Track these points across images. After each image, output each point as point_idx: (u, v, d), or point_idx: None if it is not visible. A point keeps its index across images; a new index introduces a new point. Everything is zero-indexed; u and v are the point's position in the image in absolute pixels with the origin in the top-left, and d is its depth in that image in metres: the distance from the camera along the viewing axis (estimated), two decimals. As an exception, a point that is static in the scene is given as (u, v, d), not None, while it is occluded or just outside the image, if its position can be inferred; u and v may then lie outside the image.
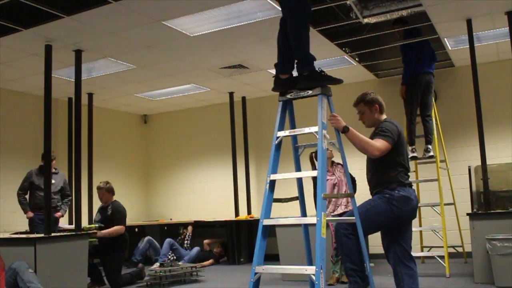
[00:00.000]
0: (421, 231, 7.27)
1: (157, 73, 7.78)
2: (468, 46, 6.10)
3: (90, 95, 8.38)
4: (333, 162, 6.23)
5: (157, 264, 7.03)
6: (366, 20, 5.96)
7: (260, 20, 5.80)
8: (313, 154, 6.16)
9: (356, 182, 6.01)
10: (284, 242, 6.31)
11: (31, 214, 6.85)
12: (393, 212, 3.50)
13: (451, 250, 6.91)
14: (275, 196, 3.42)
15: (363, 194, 5.49)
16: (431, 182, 6.68)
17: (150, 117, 10.96)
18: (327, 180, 5.77)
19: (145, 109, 10.47)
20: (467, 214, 5.67)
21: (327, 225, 3.13)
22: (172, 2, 5.19)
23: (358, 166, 5.97)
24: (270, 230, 3.42)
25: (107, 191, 6.51)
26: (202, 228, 9.24)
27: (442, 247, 6.15)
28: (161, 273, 6.30)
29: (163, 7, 5.33)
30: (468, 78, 6.14)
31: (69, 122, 8.32)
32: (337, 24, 6.04)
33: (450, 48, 7.18)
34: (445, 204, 6.40)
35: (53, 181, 6.55)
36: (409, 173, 3.70)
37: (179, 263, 7.12)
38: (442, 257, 6.24)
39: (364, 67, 7.89)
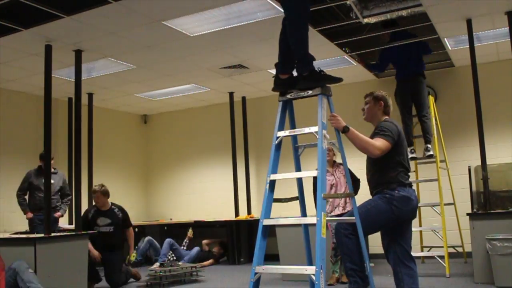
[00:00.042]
0: (421, 231, 7.27)
1: (157, 73, 7.78)
2: (468, 46, 6.10)
3: (90, 95, 8.38)
4: (334, 162, 6.22)
5: (157, 264, 7.03)
6: (366, 20, 5.96)
7: (260, 20, 5.80)
8: None
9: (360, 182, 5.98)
10: (284, 242, 6.31)
11: (30, 215, 6.83)
12: (393, 212, 3.50)
13: (451, 250, 6.91)
14: (275, 196, 3.43)
15: (363, 194, 5.49)
16: (431, 182, 6.68)
17: (150, 117, 10.96)
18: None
19: (145, 109, 10.47)
20: (467, 214, 5.66)
21: (326, 226, 3.13)
22: (172, 2, 5.19)
23: (358, 166, 5.96)
24: (270, 230, 3.42)
25: (102, 194, 6.43)
26: (202, 228, 9.24)
27: (442, 247, 6.15)
28: (161, 273, 6.30)
29: (163, 7, 5.33)
30: (468, 78, 6.14)
31: (69, 122, 8.32)
32: (337, 24, 6.04)
33: (450, 48, 7.18)
34: (445, 204, 6.40)
35: (52, 181, 6.54)
36: (409, 173, 3.70)
37: (179, 263, 7.12)
38: (442, 257, 6.24)
39: (364, 67, 7.88)
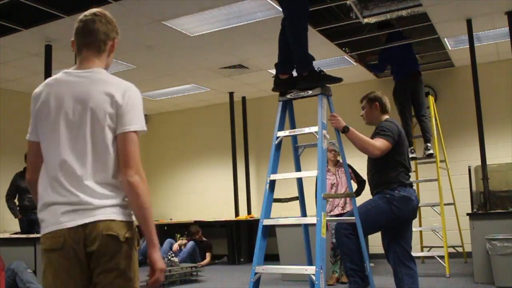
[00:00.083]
0: (421, 231, 7.27)
1: (157, 73, 7.78)
2: (468, 46, 6.10)
3: (90, 95, 8.38)
4: (338, 161, 6.22)
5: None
6: (366, 20, 5.96)
7: (260, 20, 5.80)
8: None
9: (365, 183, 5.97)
10: (284, 242, 6.31)
11: (20, 217, 6.84)
12: (393, 212, 3.50)
13: (451, 250, 6.90)
14: (275, 196, 3.42)
15: (363, 194, 5.49)
16: (431, 182, 6.68)
17: (150, 117, 10.96)
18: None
19: (145, 109, 10.39)
20: (467, 214, 5.66)
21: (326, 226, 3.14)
22: (172, 2, 5.19)
23: (358, 166, 5.98)
24: (270, 230, 3.42)
25: None
26: (202, 228, 9.23)
27: (442, 247, 6.15)
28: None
29: (163, 7, 5.33)
30: (468, 78, 6.14)
31: (69, 122, 8.31)
32: (337, 24, 6.04)
33: (450, 48, 7.18)
34: (445, 204, 6.40)
35: None
36: (410, 173, 3.70)
37: (178, 262, 7.11)
38: (442, 257, 6.23)
39: (364, 67, 7.88)
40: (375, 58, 7.04)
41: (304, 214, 3.69)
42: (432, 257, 6.78)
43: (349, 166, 5.97)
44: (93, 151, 1.90)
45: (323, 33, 6.32)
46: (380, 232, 3.78)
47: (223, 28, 5.98)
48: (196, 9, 5.41)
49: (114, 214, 1.85)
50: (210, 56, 7.06)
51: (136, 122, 2.06)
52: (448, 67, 8.13)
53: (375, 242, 6.91)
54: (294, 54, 3.44)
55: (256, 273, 3.14)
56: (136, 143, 2.02)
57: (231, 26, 5.93)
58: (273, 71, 3.67)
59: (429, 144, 6.46)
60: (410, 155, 6.31)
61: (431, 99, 6.94)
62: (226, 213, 9.11)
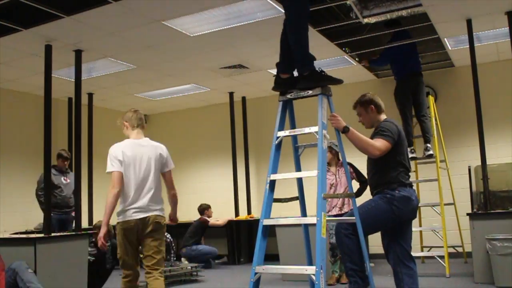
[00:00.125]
0: (421, 231, 7.27)
1: (157, 73, 7.78)
2: (468, 46, 6.10)
3: (90, 95, 8.38)
4: (339, 161, 6.21)
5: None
6: (366, 20, 5.95)
7: (260, 20, 5.80)
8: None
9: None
10: (284, 242, 6.31)
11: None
12: (393, 212, 3.50)
13: (451, 250, 6.90)
14: (275, 196, 3.42)
15: (363, 194, 5.49)
16: (431, 182, 6.68)
17: (150, 117, 10.95)
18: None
19: (145, 109, 10.46)
20: (467, 214, 5.66)
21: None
22: (172, 2, 5.19)
23: (358, 166, 5.99)
24: (270, 230, 3.42)
25: None
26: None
27: (442, 247, 6.15)
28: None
29: (163, 7, 5.33)
30: (468, 78, 6.14)
31: (69, 122, 8.32)
32: (337, 24, 6.04)
33: (450, 48, 7.18)
34: (445, 204, 6.40)
35: (68, 181, 6.57)
36: (409, 173, 3.70)
37: (178, 262, 7.12)
38: (442, 257, 6.24)
39: (364, 67, 7.88)
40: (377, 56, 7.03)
41: (304, 214, 3.69)
42: (432, 257, 6.79)
43: (352, 166, 5.98)
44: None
45: (323, 33, 6.31)
46: (380, 232, 3.78)
47: (223, 28, 5.98)
48: (196, 9, 5.41)
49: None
50: (210, 56, 7.06)
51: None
52: (448, 67, 8.13)
53: (375, 242, 6.90)
54: (294, 54, 3.44)
55: (256, 273, 3.15)
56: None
57: (231, 26, 5.93)
58: (273, 71, 3.67)
59: (429, 145, 6.46)
60: (410, 155, 6.32)
61: (431, 99, 6.94)
62: (226, 213, 9.11)
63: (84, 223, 6.95)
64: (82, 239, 5.72)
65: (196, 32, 6.07)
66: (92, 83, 7.93)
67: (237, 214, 8.98)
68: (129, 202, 3.80)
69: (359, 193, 5.71)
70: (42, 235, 5.52)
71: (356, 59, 7.40)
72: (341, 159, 6.16)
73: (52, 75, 6.21)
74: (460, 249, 7.24)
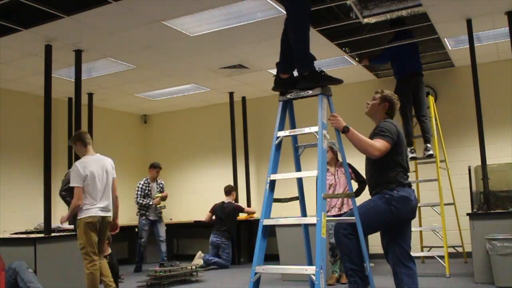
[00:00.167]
0: (421, 231, 7.27)
1: (157, 73, 7.78)
2: (468, 46, 6.10)
3: (90, 95, 8.38)
4: (338, 161, 6.21)
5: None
6: (366, 20, 5.96)
7: (260, 20, 5.80)
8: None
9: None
10: (284, 242, 6.31)
11: (64, 218, 6.61)
12: (392, 212, 3.50)
13: (451, 250, 6.90)
14: (275, 196, 3.43)
15: (363, 194, 5.48)
16: (431, 182, 6.68)
17: (150, 117, 10.96)
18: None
19: (145, 109, 10.47)
20: (467, 214, 5.66)
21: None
22: (172, 2, 5.19)
23: (358, 166, 5.97)
24: (270, 230, 3.42)
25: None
26: (202, 228, 9.24)
27: (442, 247, 6.15)
28: (161, 273, 6.29)
29: (163, 7, 5.33)
30: (468, 78, 6.14)
31: (69, 122, 8.33)
32: (337, 24, 6.04)
33: (450, 48, 7.18)
34: (445, 204, 6.39)
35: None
36: (408, 173, 3.70)
37: (177, 262, 7.11)
38: (442, 257, 6.24)
39: (364, 67, 7.88)
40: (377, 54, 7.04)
41: (304, 214, 3.69)
42: (432, 257, 6.78)
43: (350, 166, 5.98)
44: None
45: (323, 33, 6.31)
46: (379, 232, 3.78)
47: (223, 28, 5.98)
48: (196, 9, 5.41)
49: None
50: (210, 56, 7.06)
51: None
52: (448, 67, 8.13)
53: (375, 242, 6.89)
54: (295, 54, 3.44)
55: (256, 273, 3.14)
56: None
57: (231, 26, 5.93)
58: (273, 71, 3.67)
59: (429, 145, 6.46)
60: (410, 155, 6.32)
61: (431, 99, 6.94)
62: (226, 213, 9.11)
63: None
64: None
65: (196, 32, 6.07)
66: (92, 83, 7.93)
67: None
68: (95, 203, 4.79)
69: (358, 193, 5.70)
70: (42, 235, 5.52)
71: (356, 59, 7.40)
72: (340, 159, 6.19)
73: (52, 75, 6.21)
74: (460, 249, 7.24)
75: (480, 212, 5.67)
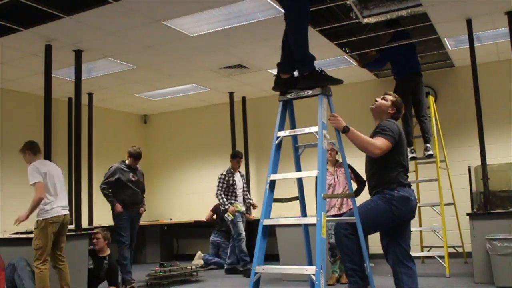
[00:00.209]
0: (421, 231, 7.27)
1: (157, 73, 7.78)
2: (468, 46, 6.10)
3: (90, 95, 8.38)
4: (337, 161, 6.20)
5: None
6: (366, 20, 5.96)
7: (260, 20, 5.80)
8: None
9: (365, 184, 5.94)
10: (284, 242, 6.31)
11: (120, 208, 6.40)
12: (393, 212, 3.49)
13: (451, 250, 6.90)
14: (275, 196, 3.42)
15: (362, 194, 5.48)
16: (431, 182, 6.68)
17: (150, 117, 10.96)
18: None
19: (145, 109, 10.47)
20: (467, 214, 5.66)
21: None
22: (172, 2, 5.19)
23: (358, 166, 5.96)
24: (270, 230, 3.42)
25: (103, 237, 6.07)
26: (202, 228, 9.24)
27: (442, 247, 6.15)
28: (161, 273, 6.30)
29: (163, 7, 5.33)
30: (468, 78, 6.14)
31: (69, 122, 8.32)
32: (337, 24, 6.04)
33: (450, 48, 7.18)
34: (445, 204, 6.39)
35: (136, 178, 6.61)
36: (408, 173, 3.69)
37: (177, 262, 7.11)
38: (442, 257, 6.24)
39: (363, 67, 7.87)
40: (374, 57, 7.04)
41: (304, 214, 3.69)
42: (432, 257, 6.79)
43: (350, 167, 5.97)
44: None
45: (323, 33, 6.31)
46: (379, 232, 3.77)
47: (223, 28, 5.98)
48: (196, 9, 5.41)
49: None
50: (210, 56, 7.06)
51: None
52: (448, 67, 8.13)
53: (375, 242, 6.87)
54: (294, 54, 3.44)
55: (256, 273, 3.14)
56: None
57: (231, 26, 5.93)
58: (273, 71, 3.67)
59: (428, 145, 6.46)
60: (410, 155, 6.32)
61: (431, 99, 6.94)
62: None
63: (84, 223, 6.95)
64: (82, 239, 5.72)
65: (196, 32, 6.07)
66: (92, 83, 7.93)
67: (237, 214, 8.97)
68: (56, 202, 4.96)
69: (357, 193, 5.69)
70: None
71: (357, 59, 7.40)
72: (340, 159, 6.19)
73: (52, 75, 6.21)
74: (460, 249, 7.24)
75: (480, 212, 5.67)
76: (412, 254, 3.68)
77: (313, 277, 2.92)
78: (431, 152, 6.42)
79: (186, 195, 10.36)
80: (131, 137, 10.52)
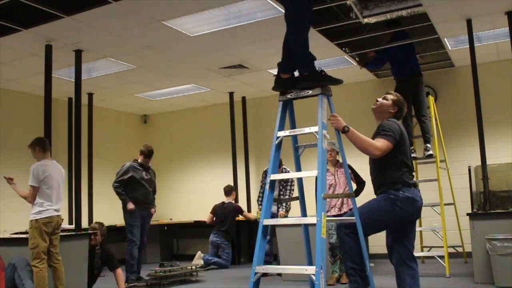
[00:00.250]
0: (421, 231, 7.26)
1: (157, 73, 7.78)
2: (468, 46, 6.10)
3: (90, 95, 8.38)
4: (338, 161, 6.20)
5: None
6: (366, 20, 5.96)
7: (260, 20, 5.80)
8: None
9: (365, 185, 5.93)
10: (284, 242, 6.31)
11: (132, 205, 6.41)
12: (397, 213, 3.47)
13: (451, 250, 6.90)
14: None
15: (362, 194, 5.48)
16: (431, 182, 6.67)
17: (150, 117, 10.96)
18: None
19: (145, 109, 10.47)
20: (467, 214, 5.66)
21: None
22: (172, 2, 5.20)
23: (358, 166, 5.98)
24: (270, 230, 3.42)
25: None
26: (202, 228, 9.24)
27: (442, 247, 6.15)
28: (161, 273, 6.29)
29: (163, 7, 5.33)
30: (468, 78, 6.14)
31: (69, 122, 8.32)
32: (337, 24, 6.04)
33: (450, 48, 7.18)
34: (445, 204, 6.39)
35: (148, 176, 6.67)
36: (413, 173, 3.68)
37: (177, 262, 7.11)
38: (442, 257, 6.23)
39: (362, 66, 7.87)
40: (373, 57, 7.04)
41: (304, 214, 3.69)
42: (432, 257, 6.78)
43: (350, 167, 5.97)
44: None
45: (323, 33, 6.31)
46: (382, 232, 3.77)
47: (223, 28, 5.98)
48: (196, 9, 5.41)
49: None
50: (210, 56, 7.06)
51: None
52: (448, 67, 8.13)
53: (375, 242, 6.91)
54: (295, 54, 3.44)
55: (256, 273, 3.14)
56: None
57: (231, 26, 5.93)
58: (273, 71, 3.68)
59: (428, 145, 6.46)
60: (411, 155, 6.31)
61: (431, 99, 6.93)
62: (226, 213, 9.11)
63: (84, 223, 6.95)
64: (82, 239, 5.72)
65: (196, 32, 6.07)
66: (92, 83, 7.93)
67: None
68: (52, 205, 5.01)
69: (356, 194, 5.69)
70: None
71: (356, 59, 7.41)
72: (340, 159, 6.19)
73: (52, 75, 6.21)
74: (460, 249, 7.24)
75: (480, 212, 5.67)
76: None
77: (313, 277, 2.91)
78: (431, 152, 6.42)
79: (186, 195, 10.36)
80: (131, 137, 10.52)
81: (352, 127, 3.47)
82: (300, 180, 3.65)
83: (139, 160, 6.69)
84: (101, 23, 5.63)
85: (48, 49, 6.11)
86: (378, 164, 3.61)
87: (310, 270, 2.97)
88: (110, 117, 9.97)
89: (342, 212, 5.87)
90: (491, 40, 6.92)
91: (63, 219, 5.33)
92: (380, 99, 3.76)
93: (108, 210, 8.27)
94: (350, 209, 5.09)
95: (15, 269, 4.93)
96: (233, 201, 8.53)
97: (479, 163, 5.82)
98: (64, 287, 4.96)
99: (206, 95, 9.40)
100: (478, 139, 5.78)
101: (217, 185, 9.87)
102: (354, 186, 5.87)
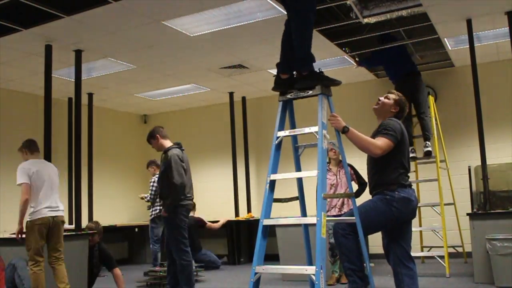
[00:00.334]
0: (421, 231, 7.27)
1: (157, 73, 7.78)
2: (468, 46, 6.10)
3: (90, 95, 8.38)
4: (340, 161, 6.20)
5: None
6: (366, 20, 5.96)
7: (260, 20, 5.80)
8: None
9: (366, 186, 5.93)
10: (284, 242, 6.31)
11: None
12: (393, 213, 3.48)
13: (451, 250, 6.90)
14: (275, 196, 3.42)
15: (364, 194, 5.48)
16: (431, 182, 6.67)
17: (150, 117, 10.96)
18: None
19: (145, 109, 10.47)
20: (467, 214, 5.66)
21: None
22: (172, 2, 5.20)
23: (358, 166, 5.98)
24: (270, 230, 3.42)
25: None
26: (202, 228, 9.23)
27: (442, 247, 6.15)
28: (161, 273, 6.29)
29: (163, 7, 5.33)
30: (468, 78, 6.15)
31: (69, 122, 8.32)
32: (337, 24, 6.04)
33: (450, 48, 7.18)
34: (445, 204, 6.39)
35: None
36: (409, 174, 3.69)
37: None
38: (442, 257, 6.24)
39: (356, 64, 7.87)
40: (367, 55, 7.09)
41: (304, 214, 3.69)
42: (432, 257, 6.78)
43: (352, 168, 5.97)
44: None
45: (323, 33, 6.31)
46: (380, 232, 3.77)
47: (223, 28, 5.98)
48: (196, 9, 5.41)
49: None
50: (210, 56, 7.06)
51: None
52: (448, 67, 8.13)
53: (375, 242, 6.89)
54: (297, 52, 3.42)
55: (256, 273, 3.14)
56: None
57: (231, 26, 5.93)
58: (273, 71, 3.67)
59: (428, 142, 6.47)
60: (410, 155, 6.30)
61: (431, 99, 6.93)
62: (226, 213, 9.10)
63: (84, 223, 6.94)
64: (82, 239, 5.72)
65: (196, 32, 6.07)
66: (92, 83, 7.93)
67: (237, 214, 8.98)
68: (42, 203, 4.87)
69: (357, 195, 5.69)
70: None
71: (356, 59, 7.41)
72: (341, 159, 6.19)
73: (52, 75, 6.21)
74: (460, 249, 7.24)
75: (480, 212, 5.67)
76: (412, 254, 3.67)
77: (313, 277, 2.92)
78: (429, 148, 6.41)
79: (186, 195, 10.34)
80: (131, 137, 10.52)
81: (352, 127, 3.47)
82: (300, 180, 3.65)
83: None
84: (101, 23, 5.63)
85: (48, 49, 6.11)
86: (376, 164, 3.61)
87: (310, 270, 2.97)
88: (110, 117, 9.98)
89: (342, 212, 5.86)
90: (491, 40, 6.92)
91: (64, 221, 5.12)
92: (382, 99, 3.76)
93: (108, 210, 8.28)
94: (351, 209, 5.08)
95: (15, 269, 4.94)
96: (193, 215, 8.02)
97: (479, 163, 5.82)
98: (67, 285, 4.90)
99: (206, 95, 9.40)
100: (478, 139, 5.78)
101: (217, 185, 9.89)
102: (356, 187, 5.87)
